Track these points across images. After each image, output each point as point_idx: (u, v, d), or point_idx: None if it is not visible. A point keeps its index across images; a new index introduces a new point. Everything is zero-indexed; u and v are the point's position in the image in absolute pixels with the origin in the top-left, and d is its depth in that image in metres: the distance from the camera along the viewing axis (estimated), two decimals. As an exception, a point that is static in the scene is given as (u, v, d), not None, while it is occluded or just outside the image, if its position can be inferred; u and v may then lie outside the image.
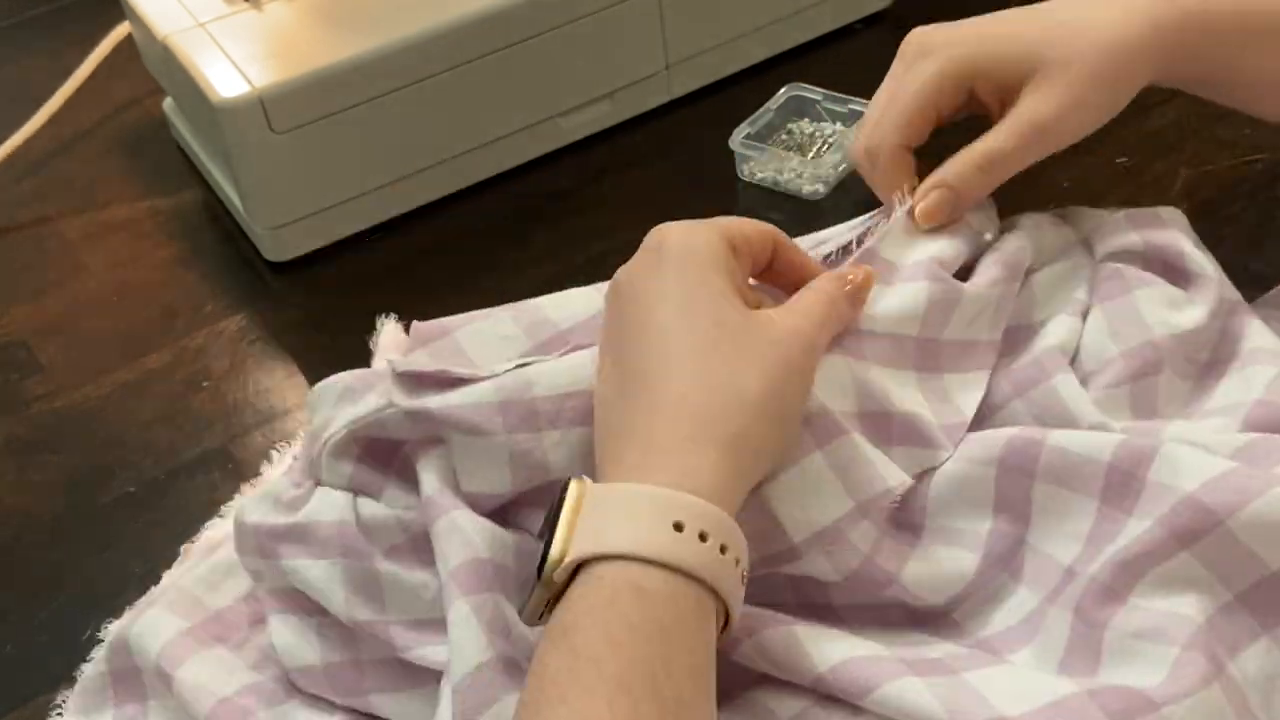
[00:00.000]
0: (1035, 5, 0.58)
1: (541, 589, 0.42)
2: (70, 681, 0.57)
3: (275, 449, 0.66)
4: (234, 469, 0.66)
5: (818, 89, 0.80)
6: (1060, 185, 0.72)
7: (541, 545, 0.43)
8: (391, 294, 0.74)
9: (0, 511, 0.66)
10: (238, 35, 0.74)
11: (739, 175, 0.78)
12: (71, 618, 0.60)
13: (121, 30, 0.86)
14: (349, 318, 0.74)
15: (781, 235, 0.53)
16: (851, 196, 0.76)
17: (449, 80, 0.74)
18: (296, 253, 0.76)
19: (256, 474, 0.65)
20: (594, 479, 0.45)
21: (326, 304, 0.75)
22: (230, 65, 0.71)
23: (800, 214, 0.76)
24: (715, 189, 0.79)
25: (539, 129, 0.80)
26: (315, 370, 0.71)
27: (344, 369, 0.70)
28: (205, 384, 0.71)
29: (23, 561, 0.63)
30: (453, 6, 0.74)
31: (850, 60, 0.87)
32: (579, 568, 0.42)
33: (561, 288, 0.61)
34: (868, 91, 0.79)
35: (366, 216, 0.77)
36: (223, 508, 0.62)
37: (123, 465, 0.67)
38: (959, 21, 0.58)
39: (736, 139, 0.77)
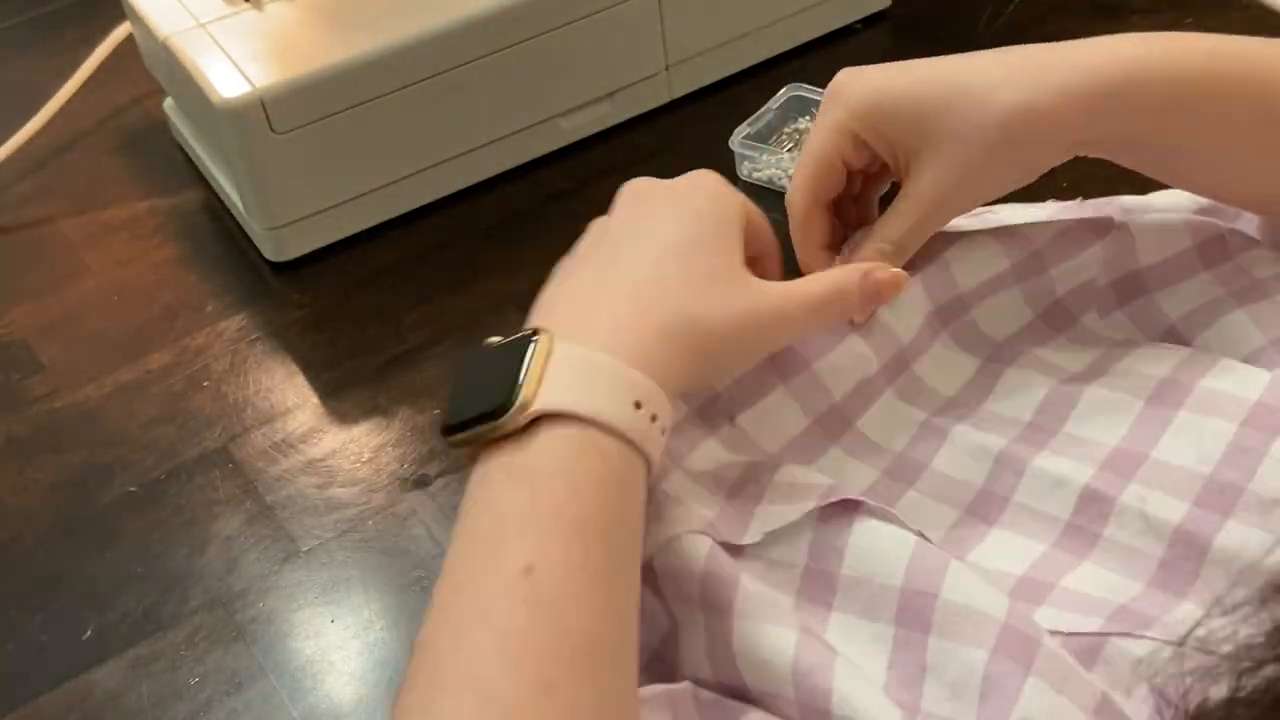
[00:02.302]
0: (953, 58, 0.55)
1: (489, 430, 0.44)
2: (72, 682, 0.57)
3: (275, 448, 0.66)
4: (234, 469, 0.66)
5: (817, 89, 0.80)
6: (1060, 185, 0.72)
7: (473, 375, 0.46)
8: (392, 294, 0.75)
9: (1, 511, 0.66)
10: (238, 35, 0.74)
11: (739, 175, 0.78)
12: (72, 617, 0.60)
13: (122, 30, 0.86)
14: (349, 317, 0.74)
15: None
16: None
17: (449, 81, 0.75)
18: (297, 252, 0.76)
19: (256, 473, 0.65)
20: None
21: (327, 304, 0.75)
22: (231, 65, 0.71)
23: (800, 214, 0.76)
24: (715, 189, 0.79)
25: (539, 129, 0.80)
26: (315, 370, 0.71)
27: (344, 368, 0.71)
28: (206, 383, 0.71)
29: (23, 561, 0.63)
30: (453, 7, 0.74)
31: (850, 60, 0.85)
32: (539, 419, 0.44)
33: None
34: (867, 91, 0.80)
35: (367, 216, 0.77)
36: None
37: (123, 465, 0.67)
38: (884, 65, 0.56)
39: (736, 139, 0.77)
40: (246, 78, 0.70)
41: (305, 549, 0.62)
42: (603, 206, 0.79)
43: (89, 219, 0.83)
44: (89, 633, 0.59)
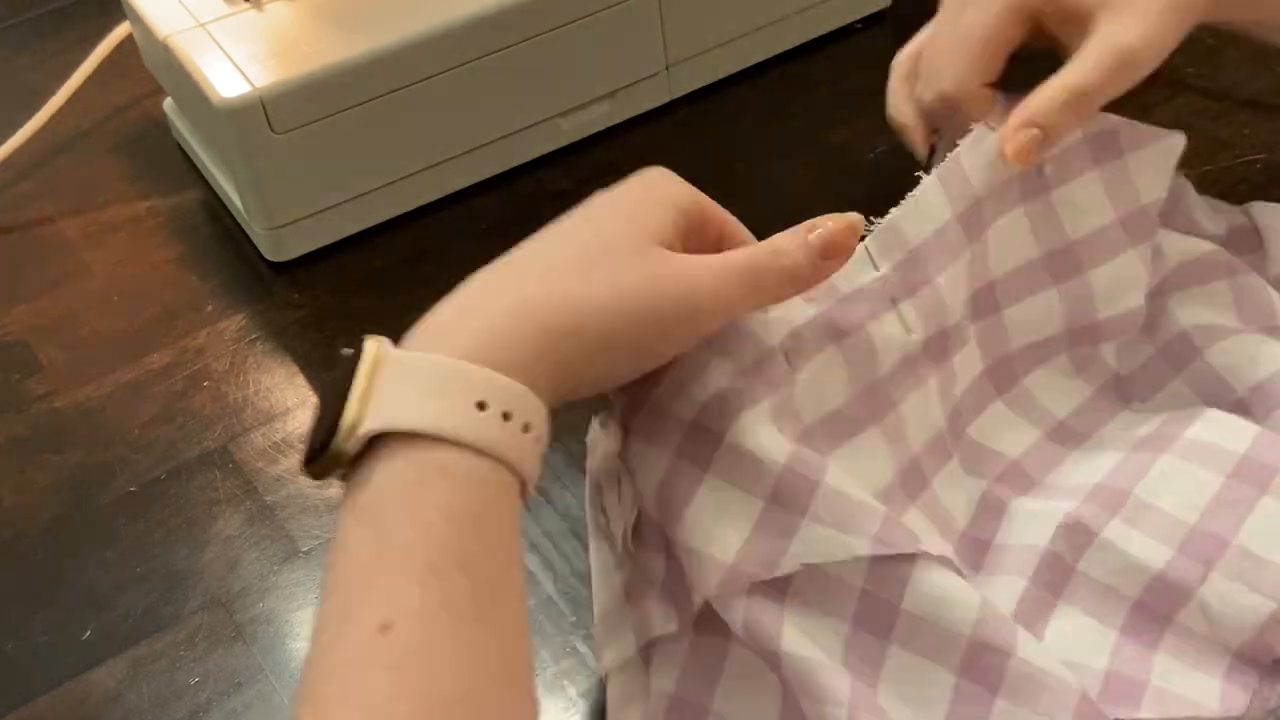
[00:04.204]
0: None
1: (330, 457, 0.39)
2: (72, 682, 0.57)
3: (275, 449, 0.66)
4: (234, 469, 0.66)
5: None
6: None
7: (321, 400, 0.40)
8: (392, 294, 0.75)
9: (0, 511, 0.66)
10: (238, 35, 0.74)
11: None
12: (72, 617, 0.60)
13: (122, 30, 0.86)
14: (349, 317, 0.74)
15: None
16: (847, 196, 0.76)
17: (449, 80, 0.74)
18: (297, 252, 0.76)
19: (256, 473, 0.65)
20: None
21: (327, 304, 0.75)
22: (231, 65, 0.71)
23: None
24: (715, 189, 0.78)
25: (539, 129, 0.80)
26: (315, 370, 0.71)
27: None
28: (205, 384, 0.71)
29: (23, 561, 0.63)
30: (453, 6, 0.73)
31: (850, 60, 0.87)
32: (375, 439, 0.39)
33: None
34: (869, 90, 0.79)
35: (367, 216, 0.77)
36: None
37: (123, 465, 0.67)
38: None
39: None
40: (246, 78, 0.70)
41: (305, 549, 0.62)
42: (603, 206, 0.80)
43: (88, 219, 0.83)
44: (88, 633, 0.59)
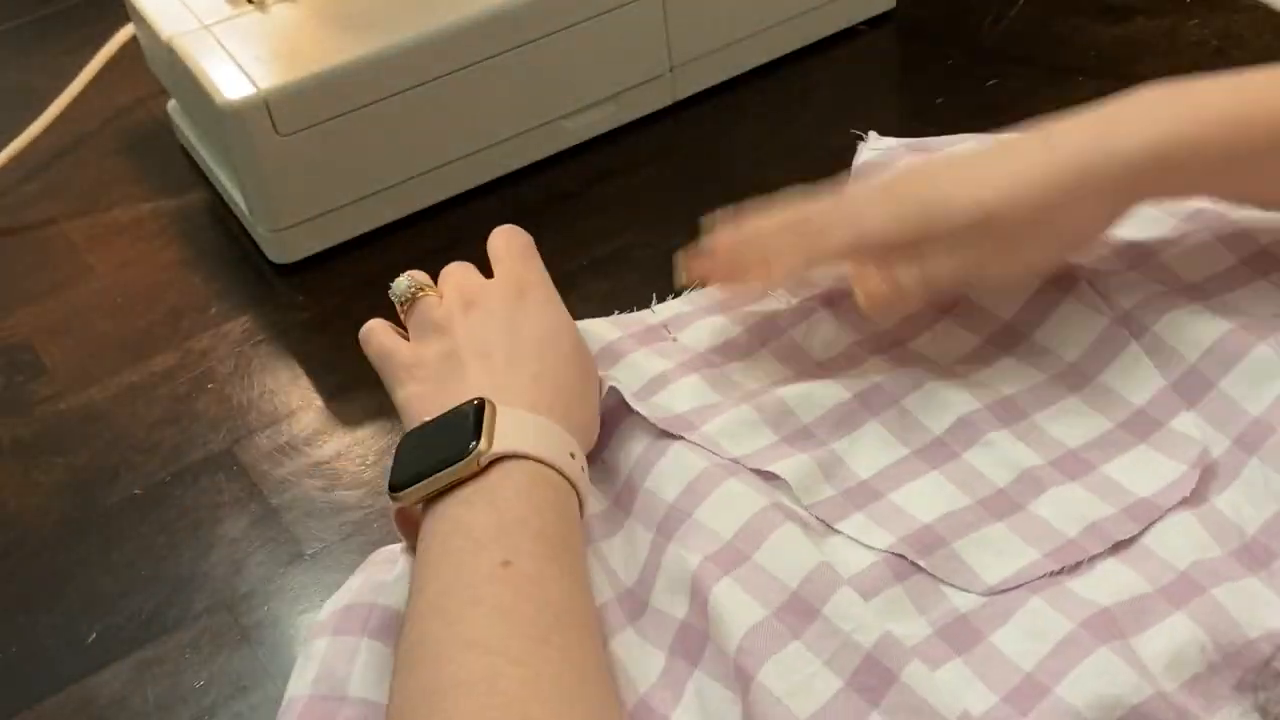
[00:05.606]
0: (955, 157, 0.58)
1: (454, 469, 0.51)
2: (77, 685, 0.57)
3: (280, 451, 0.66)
4: (239, 471, 0.66)
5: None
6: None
7: (429, 439, 0.53)
8: (396, 296, 0.74)
9: (5, 513, 0.66)
10: (242, 37, 0.74)
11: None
12: (76, 620, 0.60)
13: (126, 32, 0.86)
14: (354, 319, 0.73)
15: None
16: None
17: (454, 82, 0.74)
18: (301, 254, 0.76)
19: (261, 476, 0.65)
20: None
21: (331, 306, 0.75)
22: (235, 67, 0.71)
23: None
24: (718, 191, 0.78)
25: (543, 131, 0.80)
26: (319, 372, 0.71)
27: (349, 371, 0.71)
28: (210, 386, 0.71)
29: (28, 563, 0.63)
30: (457, 8, 0.73)
31: (854, 61, 0.86)
32: (494, 462, 0.51)
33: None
34: (872, 92, 0.80)
35: (371, 218, 0.77)
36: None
37: (128, 467, 0.67)
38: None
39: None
40: (251, 79, 0.70)
41: (310, 552, 0.62)
42: (606, 208, 0.80)
43: (93, 221, 0.83)
44: (93, 636, 0.59)
